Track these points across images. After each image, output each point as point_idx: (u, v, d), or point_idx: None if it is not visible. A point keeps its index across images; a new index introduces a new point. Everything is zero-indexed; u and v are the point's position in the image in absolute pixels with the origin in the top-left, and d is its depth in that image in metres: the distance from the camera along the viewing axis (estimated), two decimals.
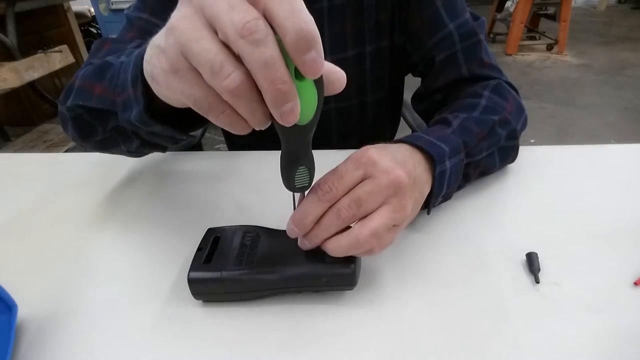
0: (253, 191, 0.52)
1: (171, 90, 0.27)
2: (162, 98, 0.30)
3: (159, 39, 0.27)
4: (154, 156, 0.62)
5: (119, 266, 0.41)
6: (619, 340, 0.32)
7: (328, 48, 0.62)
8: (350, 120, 0.71)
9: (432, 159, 0.40)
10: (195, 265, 0.36)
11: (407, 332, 0.34)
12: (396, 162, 0.35)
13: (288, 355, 0.32)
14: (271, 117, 0.25)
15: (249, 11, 0.21)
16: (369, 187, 0.33)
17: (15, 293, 0.34)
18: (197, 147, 0.83)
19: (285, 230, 0.38)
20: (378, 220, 0.33)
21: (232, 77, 0.22)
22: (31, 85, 2.00)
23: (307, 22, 0.22)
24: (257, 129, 0.26)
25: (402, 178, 0.33)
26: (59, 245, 0.45)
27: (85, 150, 0.54)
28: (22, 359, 0.33)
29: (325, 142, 0.73)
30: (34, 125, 2.42)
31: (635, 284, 0.37)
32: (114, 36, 0.58)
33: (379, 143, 0.38)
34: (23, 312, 0.35)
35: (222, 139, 1.29)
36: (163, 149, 0.47)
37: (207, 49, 0.23)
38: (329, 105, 0.67)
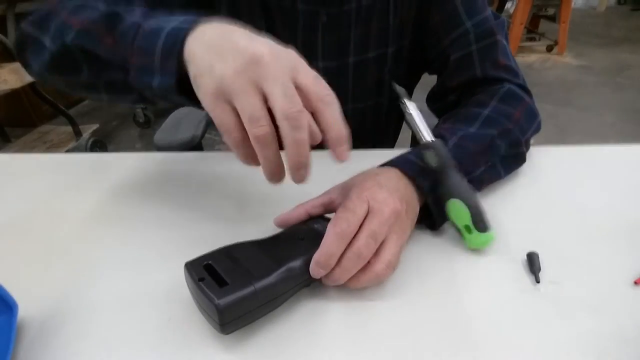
0: (253, 191, 0.52)
1: (206, 104, 0.33)
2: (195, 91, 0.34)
3: (214, 60, 0.32)
4: (154, 156, 0.62)
5: (119, 266, 0.41)
6: (619, 340, 0.32)
7: (352, 50, 0.61)
8: (365, 121, 0.70)
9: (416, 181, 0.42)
10: (215, 293, 0.31)
11: (407, 332, 0.34)
12: (390, 192, 0.38)
13: (288, 355, 0.32)
14: (278, 170, 0.33)
15: (296, 103, 0.31)
16: (377, 220, 0.35)
17: (16, 293, 0.34)
18: (197, 147, 0.83)
19: (266, 237, 0.38)
20: (389, 252, 0.36)
21: (263, 128, 0.31)
22: (31, 86, 2.00)
23: (343, 127, 0.33)
24: (267, 174, 0.33)
25: (399, 206, 0.37)
26: (59, 245, 0.45)
27: (85, 151, 0.54)
28: (22, 359, 0.33)
29: None
30: (34, 126, 2.43)
31: (635, 283, 0.37)
32: None
33: (375, 167, 0.44)
34: (23, 312, 0.35)
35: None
36: (153, 104, 0.46)
37: (252, 103, 0.31)
38: (346, 106, 0.66)
